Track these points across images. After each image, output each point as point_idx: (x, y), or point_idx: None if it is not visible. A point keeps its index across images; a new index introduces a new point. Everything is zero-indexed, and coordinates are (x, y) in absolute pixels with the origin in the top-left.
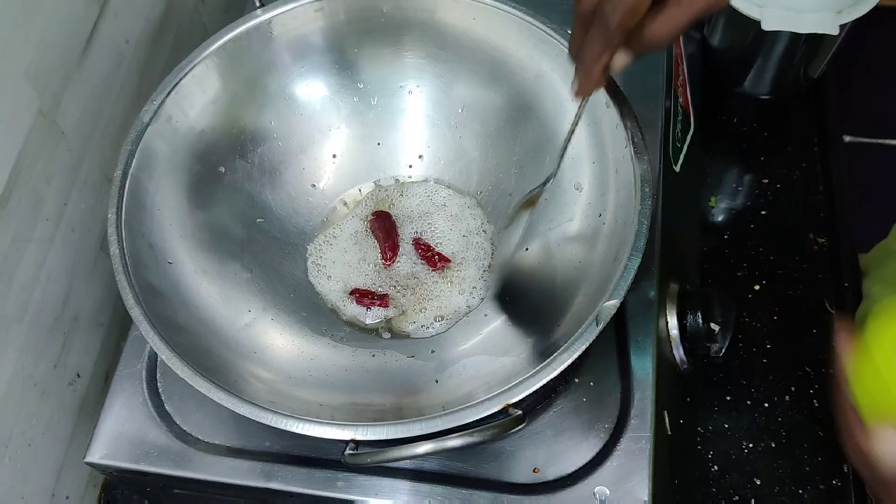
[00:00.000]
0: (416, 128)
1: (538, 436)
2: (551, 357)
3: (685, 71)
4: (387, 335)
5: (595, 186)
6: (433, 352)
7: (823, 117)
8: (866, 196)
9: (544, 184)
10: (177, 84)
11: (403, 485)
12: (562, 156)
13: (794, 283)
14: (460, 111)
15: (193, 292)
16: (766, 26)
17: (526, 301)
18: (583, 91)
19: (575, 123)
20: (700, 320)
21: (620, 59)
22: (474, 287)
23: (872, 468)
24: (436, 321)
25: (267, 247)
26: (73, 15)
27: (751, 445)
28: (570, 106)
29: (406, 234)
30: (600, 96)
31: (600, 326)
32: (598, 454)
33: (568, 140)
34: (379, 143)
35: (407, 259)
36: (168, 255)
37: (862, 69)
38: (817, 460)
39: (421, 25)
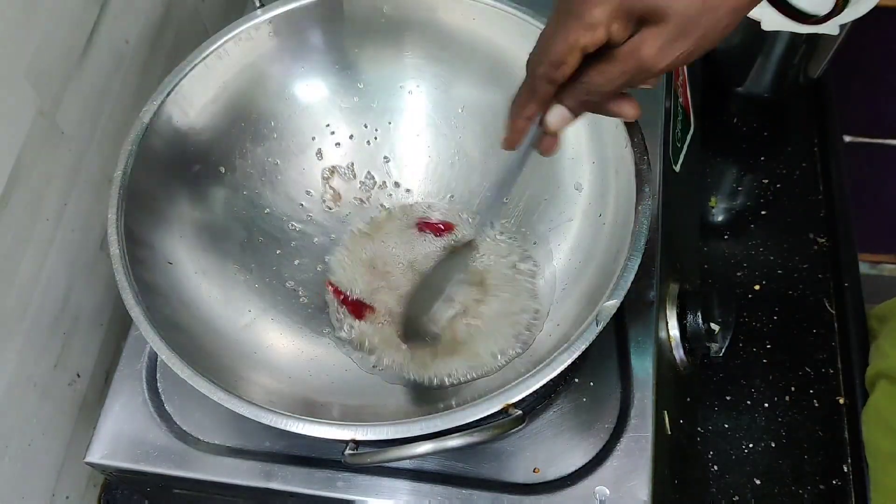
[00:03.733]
0: (416, 128)
1: (538, 436)
2: (551, 357)
3: (685, 71)
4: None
5: (595, 186)
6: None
7: (823, 117)
8: (866, 196)
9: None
10: (177, 84)
11: (403, 485)
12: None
13: (794, 283)
14: (460, 111)
15: (193, 292)
16: (766, 26)
17: (526, 301)
18: (506, 143)
19: (514, 175)
20: (700, 320)
21: (557, 114)
22: None
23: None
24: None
25: (267, 247)
26: (73, 15)
27: (751, 445)
28: None
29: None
30: None
31: (600, 326)
32: (598, 454)
33: (505, 190)
34: (379, 144)
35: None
36: (168, 255)
37: (862, 69)
38: (817, 460)
39: (421, 25)
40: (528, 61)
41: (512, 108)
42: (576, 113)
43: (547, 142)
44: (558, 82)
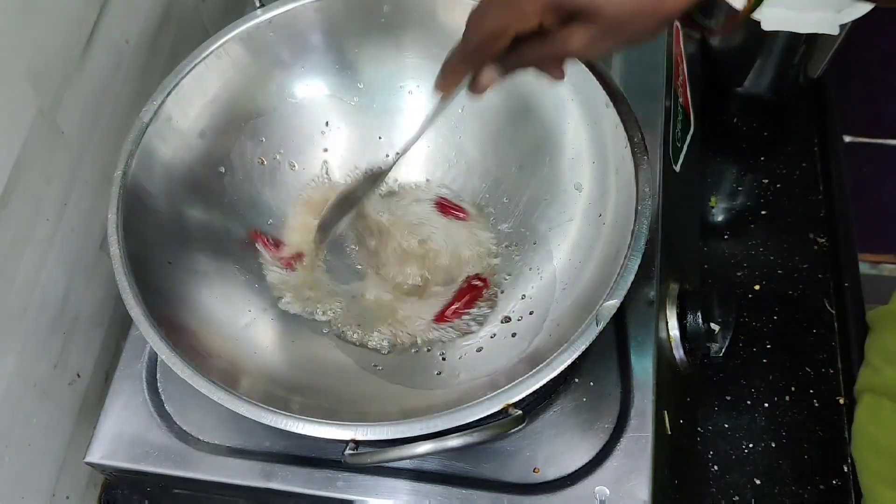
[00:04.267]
0: (416, 128)
1: (538, 436)
2: (551, 357)
3: (685, 71)
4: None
5: (595, 186)
6: (429, 351)
7: (823, 117)
8: (866, 196)
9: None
10: (177, 84)
11: (403, 485)
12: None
13: (794, 283)
14: (460, 111)
15: (193, 292)
16: (766, 26)
17: (527, 301)
18: (439, 88)
19: (430, 119)
20: (700, 320)
21: (488, 75)
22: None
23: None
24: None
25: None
26: (73, 15)
27: (751, 445)
28: (570, 106)
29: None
30: (600, 96)
31: (600, 326)
32: (598, 454)
33: (419, 133)
34: (380, 141)
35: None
36: (168, 255)
37: (862, 69)
38: (817, 460)
39: (421, 25)
40: (467, 21)
41: (447, 63)
42: (505, 75)
43: (476, 88)
44: (492, 54)
